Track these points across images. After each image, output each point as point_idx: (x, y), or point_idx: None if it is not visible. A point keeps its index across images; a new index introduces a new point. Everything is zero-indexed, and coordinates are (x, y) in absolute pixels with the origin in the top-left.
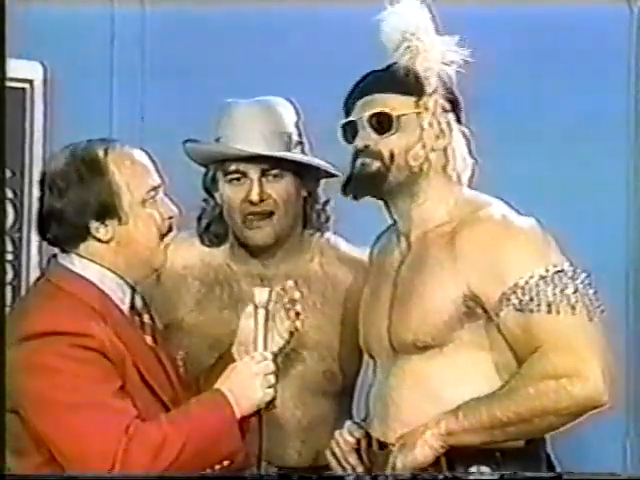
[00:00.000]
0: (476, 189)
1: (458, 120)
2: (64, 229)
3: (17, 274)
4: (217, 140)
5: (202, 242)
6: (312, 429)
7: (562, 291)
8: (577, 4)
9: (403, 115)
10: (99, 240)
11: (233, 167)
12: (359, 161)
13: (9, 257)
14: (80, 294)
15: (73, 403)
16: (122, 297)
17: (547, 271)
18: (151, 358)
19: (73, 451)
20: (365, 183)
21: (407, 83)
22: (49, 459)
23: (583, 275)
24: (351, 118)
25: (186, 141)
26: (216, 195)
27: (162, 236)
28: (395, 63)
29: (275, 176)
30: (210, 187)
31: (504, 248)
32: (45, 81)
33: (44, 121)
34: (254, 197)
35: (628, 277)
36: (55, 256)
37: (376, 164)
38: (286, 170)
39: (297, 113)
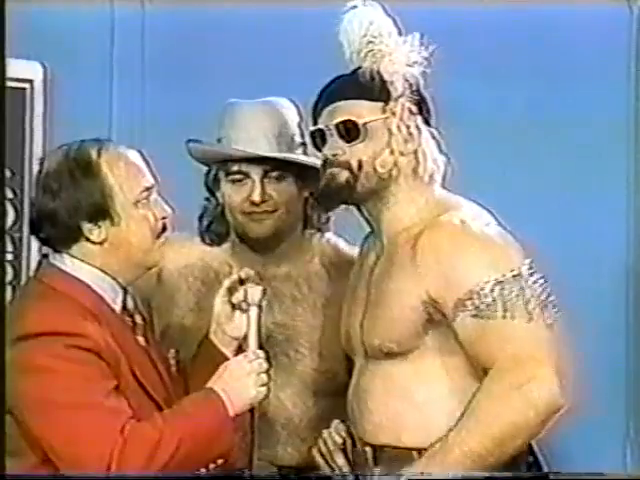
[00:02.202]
0: (472, 190)
1: (426, 121)
2: (57, 230)
3: (17, 274)
4: (219, 140)
5: (203, 241)
6: (312, 428)
7: (517, 296)
8: (577, 4)
9: (370, 122)
10: (92, 241)
11: (235, 167)
12: (328, 172)
13: (9, 257)
14: (73, 295)
15: (69, 403)
16: (114, 298)
17: (503, 276)
18: (144, 358)
19: (69, 452)
20: (334, 194)
21: (373, 88)
22: (44, 459)
23: (539, 278)
24: (319, 126)
25: (189, 141)
26: (218, 194)
27: (156, 236)
28: (360, 68)
29: (277, 177)
30: (212, 186)
31: (460, 255)
32: (45, 81)
33: (44, 121)
34: (255, 198)
35: (628, 278)
36: (46, 256)
37: (344, 174)
38: (288, 171)
39: (300, 114)
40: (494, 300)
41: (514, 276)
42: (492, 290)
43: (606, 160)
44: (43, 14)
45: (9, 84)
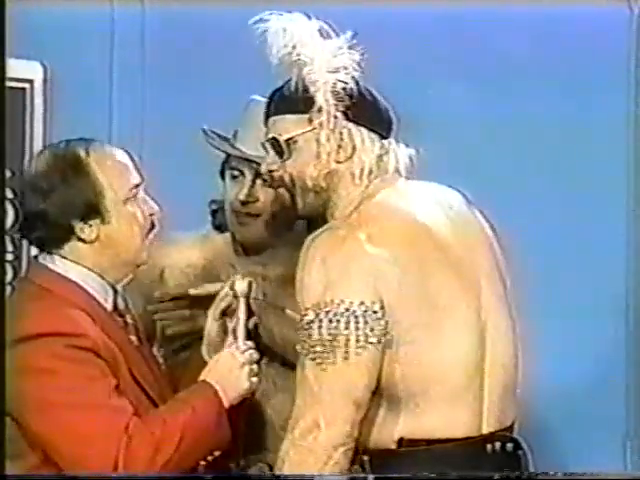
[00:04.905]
0: (469, 192)
1: (364, 125)
2: (48, 230)
3: (17, 274)
4: (235, 133)
5: (213, 225)
6: None
7: (330, 332)
8: (577, 4)
9: (295, 136)
10: (83, 240)
11: (234, 163)
12: (278, 197)
13: (9, 257)
14: (67, 295)
15: (72, 403)
16: (105, 297)
17: (325, 304)
18: (138, 357)
19: (75, 452)
20: (285, 216)
21: (297, 100)
22: (44, 459)
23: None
24: (262, 141)
25: (203, 130)
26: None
27: (145, 234)
28: (289, 80)
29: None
30: (222, 175)
31: (300, 273)
32: (45, 81)
33: (44, 121)
34: (240, 197)
35: (627, 278)
36: (36, 257)
37: (286, 195)
38: None
39: None
40: (310, 336)
41: (327, 311)
42: (307, 325)
43: (606, 160)
44: (43, 14)
45: (9, 84)
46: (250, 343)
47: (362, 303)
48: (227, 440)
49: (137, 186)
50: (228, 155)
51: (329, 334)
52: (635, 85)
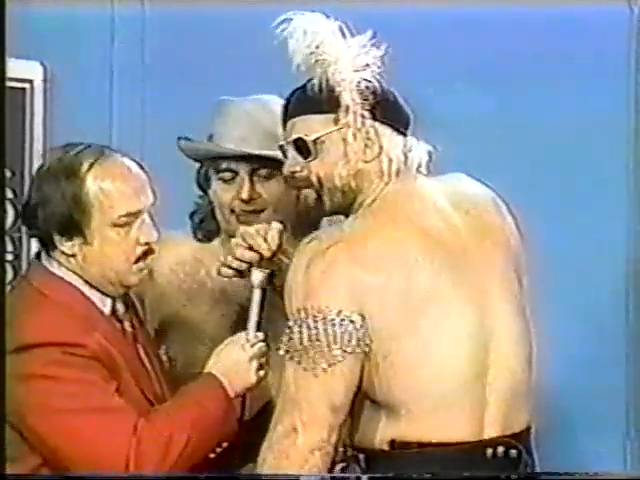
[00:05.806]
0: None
1: (388, 123)
2: (35, 230)
3: (17, 274)
4: (210, 137)
5: (195, 237)
6: None
7: (309, 338)
8: (577, 4)
9: (322, 136)
10: (63, 253)
11: (224, 165)
12: (301, 196)
13: (9, 257)
14: (65, 301)
15: (77, 409)
16: (103, 301)
17: (305, 310)
18: (137, 362)
19: (85, 457)
20: (308, 216)
21: (322, 101)
22: (44, 462)
23: (331, 318)
24: (280, 142)
25: (179, 138)
26: (209, 192)
27: (135, 261)
28: (310, 80)
29: (266, 175)
30: (203, 184)
31: (288, 277)
32: (45, 81)
33: (44, 121)
34: (244, 196)
35: (628, 278)
36: (37, 256)
37: (312, 195)
38: (277, 169)
39: None
40: (291, 339)
41: (314, 316)
42: (291, 328)
43: (606, 160)
44: (43, 14)
45: (9, 84)
46: (260, 335)
47: (340, 312)
48: (234, 432)
49: (135, 213)
50: (201, 162)
51: (307, 340)
52: (635, 85)
